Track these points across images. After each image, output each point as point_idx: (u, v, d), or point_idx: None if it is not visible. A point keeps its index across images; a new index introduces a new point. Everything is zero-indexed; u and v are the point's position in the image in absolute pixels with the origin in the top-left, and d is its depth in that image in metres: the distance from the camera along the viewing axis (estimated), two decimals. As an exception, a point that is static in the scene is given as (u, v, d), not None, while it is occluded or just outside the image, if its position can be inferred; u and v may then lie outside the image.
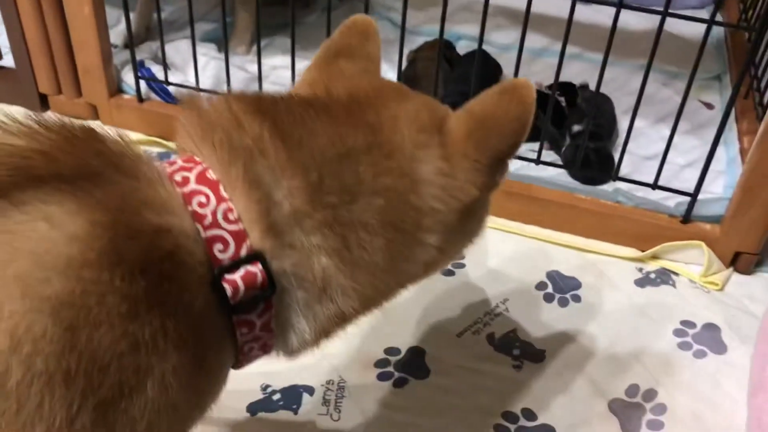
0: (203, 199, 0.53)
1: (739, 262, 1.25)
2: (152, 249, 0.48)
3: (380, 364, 1.06)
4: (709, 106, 1.64)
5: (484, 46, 1.60)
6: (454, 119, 0.63)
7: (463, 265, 1.23)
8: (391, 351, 1.08)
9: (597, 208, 1.28)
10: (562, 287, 1.21)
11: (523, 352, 1.09)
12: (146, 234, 0.49)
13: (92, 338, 0.45)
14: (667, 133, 1.23)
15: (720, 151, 1.42)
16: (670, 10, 1.10)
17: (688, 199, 1.24)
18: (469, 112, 0.63)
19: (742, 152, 1.39)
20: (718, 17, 1.88)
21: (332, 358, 1.05)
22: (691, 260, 1.25)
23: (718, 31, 1.87)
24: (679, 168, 1.42)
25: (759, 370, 1.02)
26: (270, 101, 0.59)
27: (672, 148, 1.25)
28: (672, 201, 1.28)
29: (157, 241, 0.49)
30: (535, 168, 1.34)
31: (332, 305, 0.58)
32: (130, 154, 0.53)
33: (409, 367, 1.06)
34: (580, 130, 1.37)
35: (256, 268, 0.53)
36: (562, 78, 1.55)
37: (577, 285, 1.21)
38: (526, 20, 1.18)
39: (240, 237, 0.53)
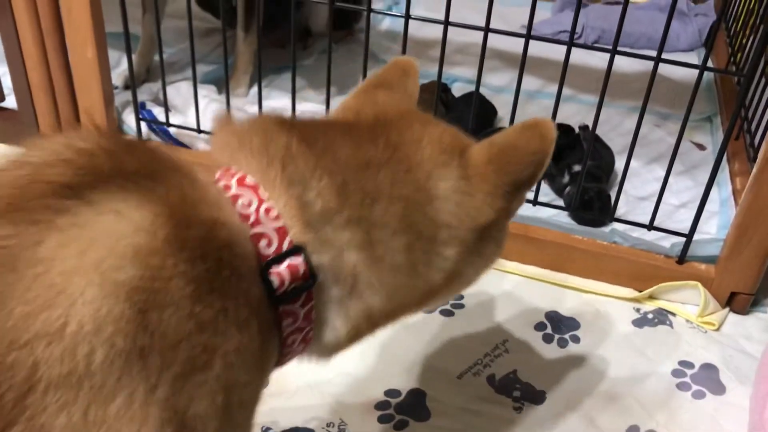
0: (246, 201, 0.58)
1: (735, 302, 1.26)
2: (210, 238, 0.54)
3: (381, 406, 1.06)
4: (701, 147, 1.67)
5: (480, 89, 1.63)
6: (477, 146, 0.69)
7: (462, 306, 1.24)
8: (391, 393, 1.08)
9: (594, 248, 1.29)
10: (561, 328, 1.21)
11: (524, 394, 1.09)
12: (204, 225, 0.54)
13: (162, 319, 0.50)
14: (661, 173, 1.25)
15: (713, 191, 1.44)
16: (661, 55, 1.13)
17: (683, 239, 1.25)
18: (492, 141, 0.68)
19: (735, 193, 1.41)
20: (708, 61, 1.93)
21: (333, 401, 1.05)
22: (688, 300, 1.27)
23: (708, 74, 1.91)
24: (673, 208, 1.44)
25: (758, 411, 1.02)
26: (294, 119, 0.66)
27: (666, 189, 1.27)
28: (667, 241, 1.29)
29: (214, 231, 0.54)
30: (532, 208, 1.35)
31: (361, 302, 0.62)
32: (183, 161, 0.59)
33: (409, 409, 1.06)
34: (579, 170, 1.39)
35: (299, 260, 0.58)
36: (558, 120, 1.58)
37: (576, 325, 1.22)
38: (522, 63, 1.20)
39: (282, 232, 0.58)
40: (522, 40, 1.19)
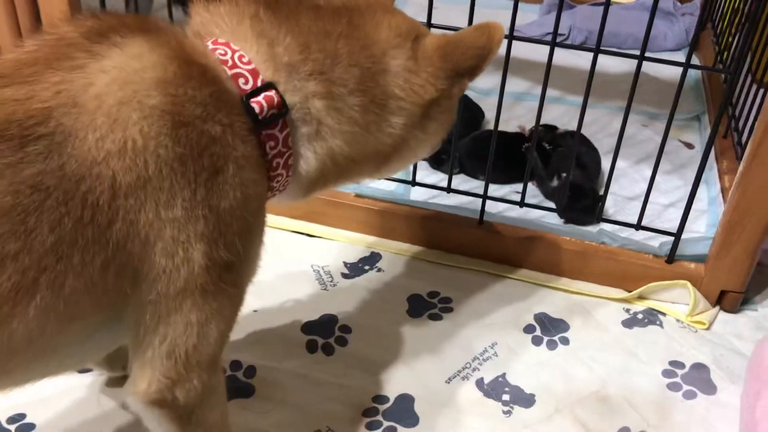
0: (222, 51, 0.72)
1: (725, 300, 1.25)
2: (205, 72, 0.69)
3: (369, 413, 1.04)
4: (689, 146, 1.66)
5: (466, 92, 1.63)
6: (431, 36, 0.81)
7: (450, 310, 1.23)
8: (379, 399, 1.07)
9: (582, 249, 1.29)
10: (550, 330, 1.20)
11: (513, 397, 1.08)
12: (199, 64, 0.69)
13: (187, 134, 0.65)
14: (649, 173, 1.24)
15: (701, 190, 1.44)
16: (646, 54, 1.12)
17: (671, 238, 1.25)
18: (445, 34, 0.81)
19: (723, 191, 1.40)
20: (695, 59, 1.94)
21: (320, 408, 1.04)
22: (678, 300, 1.26)
23: (696, 73, 1.91)
24: (662, 208, 1.44)
25: (749, 410, 1.02)
26: None
27: (654, 188, 1.26)
28: (656, 241, 1.28)
29: (207, 69, 0.69)
30: (520, 210, 1.35)
31: (325, 142, 0.76)
32: (174, 24, 0.75)
33: (398, 415, 1.04)
34: (566, 175, 1.38)
35: (272, 93, 0.72)
36: (546, 121, 1.58)
37: (566, 327, 1.21)
38: (506, 64, 1.20)
39: (255, 73, 0.72)
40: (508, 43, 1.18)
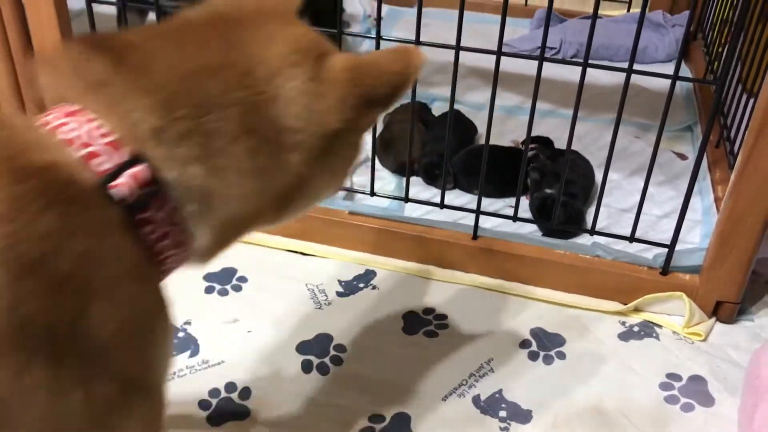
0: (72, 126, 0.58)
1: (721, 311, 1.25)
2: (50, 183, 0.54)
3: None
4: (683, 156, 1.66)
5: (459, 107, 1.63)
6: (339, 55, 0.68)
7: (446, 326, 1.22)
8: (374, 418, 1.06)
9: (576, 262, 1.28)
10: (546, 344, 1.20)
11: (510, 413, 1.08)
12: (38, 172, 0.54)
13: (36, 271, 0.52)
14: (642, 184, 1.24)
15: (695, 200, 1.44)
16: (636, 66, 1.13)
17: (665, 250, 1.24)
18: (357, 55, 0.68)
19: (717, 201, 1.40)
20: (687, 70, 1.94)
21: (316, 429, 1.03)
22: (673, 311, 1.25)
23: (687, 83, 1.92)
24: (656, 219, 1.44)
25: (746, 422, 1.01)
26: (114, 37, 0.64)
27: (648, 200, 1.26)
28: (650, 253, 1.28)
29: (51, 175, 0.55)
30: (513, 224, 1.34)
31: (216, 212, 0.64)
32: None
33: (394, 433, 1.04)
34: (553, 192, 1.39)
35: (138, 169, 0.58)
36: (540, 133, 1.58)
37: (561, 341, 1.21)
38: (495, 79, 1.20)
39: (115, 147, 0.58)
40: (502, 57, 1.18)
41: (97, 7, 1.29)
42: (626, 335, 1.22)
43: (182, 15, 0.68)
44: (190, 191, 0.61)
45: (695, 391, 1.13)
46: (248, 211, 0.66)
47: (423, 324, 1.23)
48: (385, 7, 2.10)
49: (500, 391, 1.11)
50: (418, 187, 1.50)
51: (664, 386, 1.13)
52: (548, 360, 1.17)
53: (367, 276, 1.33)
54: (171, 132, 0.59)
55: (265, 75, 0.63)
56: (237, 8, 0.68)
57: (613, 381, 1.14)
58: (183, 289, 1.24)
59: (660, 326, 1.24)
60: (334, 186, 0.75)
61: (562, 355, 1.18)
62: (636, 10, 2.23)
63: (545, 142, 1.57)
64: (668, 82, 1.14)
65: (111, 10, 1.32)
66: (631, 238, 1.27)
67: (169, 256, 0.63)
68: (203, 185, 0.61)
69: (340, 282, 1.31)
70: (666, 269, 1.25)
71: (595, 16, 1.11)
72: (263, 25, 0.66)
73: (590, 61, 1.14)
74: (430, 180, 1.52)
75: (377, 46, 1.23)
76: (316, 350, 1.16)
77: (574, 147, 1.23)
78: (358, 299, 1.27)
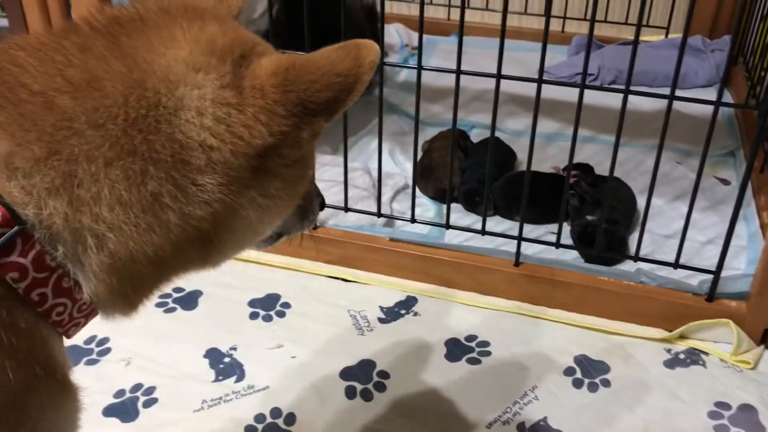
0: None
1: (770, 339, 1.23)
2: None
3: (409, 458, 1.04)
4: (725, 182, 1.65)
5: (498, 133, 1.64)
6: (269, 56, 0.58)
7: (489, 353, 1.22)
8: (419, 445, 1.06)
9: (620, 289, 1.27)
10: (590, 372, 1.19)
11: (555, 441, 1.07)
12: None
13: None
14: (685, 210, 1.23)
15: (740, 226, 1.42)
16: (677, 92, 1.13)
17: (711, 276, 1.23)
18: (291, 55, 0.57)
19: (763, 227, 1.39)
20: (728, 95, 1.93)
21: (360, 454, 1.04)
22: (720, 339, 1.23)
23: (728, 109, 1.90)
24: (700, 245, 1.42)
25: (801, 453, 0.99)
26: None
27: (692, 226, 1.25)
28: (695, 279, 1.27)
29: None
30: (556, 251, 1.34)
31: (97, 255, 0.53)
32: None
33: (438, 460, 1.03)
34: (594, 219, 1.38)
35: None
36: (580, 160, 1.58)
37: (606, 369, 1.19)
38: (536, 106, 1.21)
39: None
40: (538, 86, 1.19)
41: None
42: (672, 362, 1.21)
43: (74, 22, 0.58)
44: (53, 227, 0.51)
45: (746, 420, 1.10)
46: (152, 250, 0.54)
47: (466, 351, 1.23)
48: (422, 37, 2.13)
49: (545, 419, 1.10)
50: (458, 214, 1.51)
51: (712, 415, 1.11)
52: (593, 387, 1.16)
53: (408, 302, 1.33)
54: (20, 159, 0.50)
55: (159, 85, 0.53)
56: (147, 10, 0.58)
57: (659, 409, 1.12)
58: (229, 315, 1.26)
59: (707, 353, 1.22)
60: (280, 214, 0.62)
61: (606, 383, 1.17)
62: (674, 35, 2.22)
63: (585, 169, 1.57)
64: (709, 109, 1.13)
65: None
66: (676, 264, 1.26)
67: (53, 308, 0.53)
68: (72, 221, 0.51)
69: (381, 308, 1.32)
70: (712, 296, 1.24)
71: (636, 43, 1.11)
72: (164, 28, 0.56)
73: (631, 88, 1.14)
74: (470, 207, 1.52)
75: (418, 76, 1.25)
76: (360, 376, 1.17)
77: (614, 173, 1.23)
78: (400, 325, 1.28)
